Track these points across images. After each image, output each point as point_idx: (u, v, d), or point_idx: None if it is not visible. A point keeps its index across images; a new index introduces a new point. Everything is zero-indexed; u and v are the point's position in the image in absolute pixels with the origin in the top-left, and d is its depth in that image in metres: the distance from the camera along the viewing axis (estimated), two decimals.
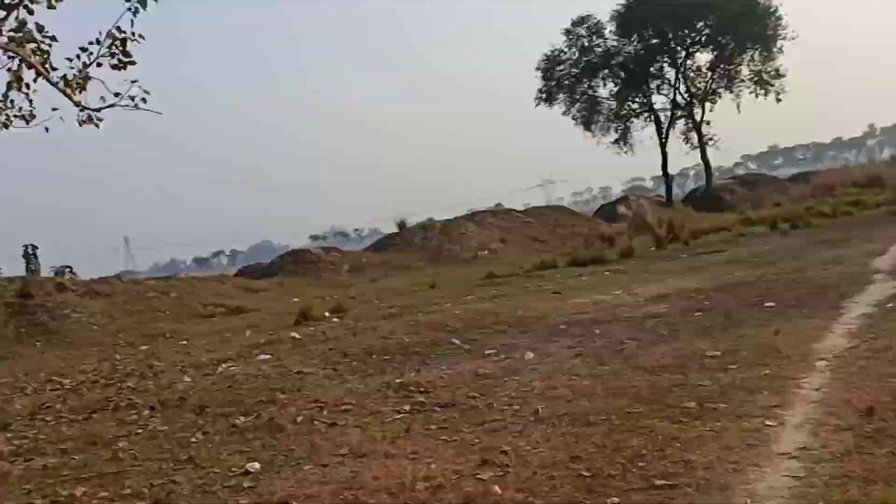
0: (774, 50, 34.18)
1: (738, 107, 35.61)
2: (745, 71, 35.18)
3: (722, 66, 35.37)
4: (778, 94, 34.81)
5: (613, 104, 36.14)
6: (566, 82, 35.52)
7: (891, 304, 6.76)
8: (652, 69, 35.79)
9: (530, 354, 6.84)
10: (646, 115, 36.09)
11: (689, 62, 35.74)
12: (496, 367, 6.52)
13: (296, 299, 16.24)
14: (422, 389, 5.96)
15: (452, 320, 9.09)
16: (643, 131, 36.68)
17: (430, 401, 5.60)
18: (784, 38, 33.88)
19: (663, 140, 35.55)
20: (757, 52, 34.51)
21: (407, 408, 5.50)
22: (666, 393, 5.00)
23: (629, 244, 16.78)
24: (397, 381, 6.31)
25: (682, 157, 37.37)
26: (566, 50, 35.24)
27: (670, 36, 34.71)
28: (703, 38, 34.98)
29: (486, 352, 7.32)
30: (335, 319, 11.17)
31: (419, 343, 8.00)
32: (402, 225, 25.47)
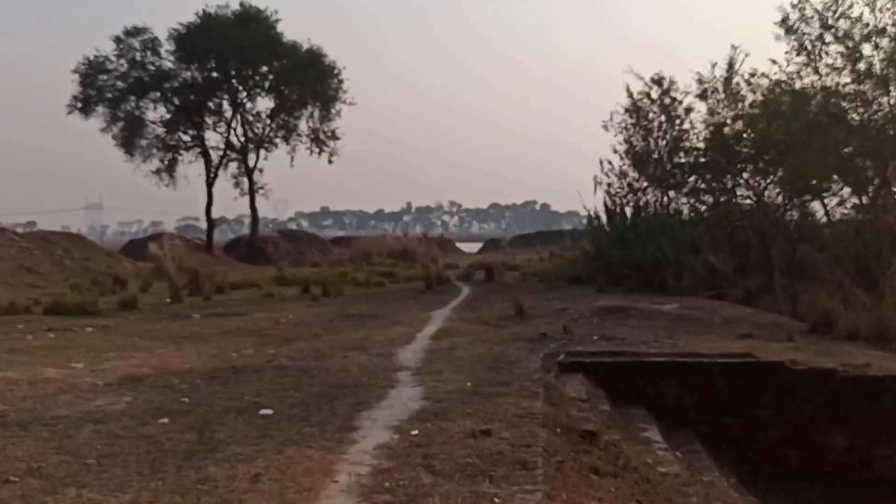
0: (333, 111, 34.32)
1: (291, 160, 34.93)
2: (303, 126, 34.71)
3: (282, 115, 34.41)
4: (331, 155, 34.97)
5: (161, 131, 32.63)
6: (109, 95, 31.01)
7: (415, 432, 4.97)
8: (210, 103, 33.27)
9: None
10: (197, 149, 33.28)
11: (249, 104, 34.07)
12: None
13: None
14: None
15: None
16: (191, 166, 33.82)
17: None
18: (344, 102, 34.26)
19: (211, 180, 33.03)
20: (317, 110, 34.30)
21: None
22: None
23: (134, 293, 13.65)
24: None
25: (242, 202, 35.14)
26: (113, 59, 30.88)
27: (233, 72, 32.63)
28: (267, 84, 33.67)
29: None
30: None
31: None
32: None
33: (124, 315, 12.23)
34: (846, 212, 18.39)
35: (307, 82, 32.41)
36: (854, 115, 16.67)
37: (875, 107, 16.67)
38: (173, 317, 12.02)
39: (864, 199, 16.53)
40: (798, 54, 16.60)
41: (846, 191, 17.30)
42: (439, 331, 10.06)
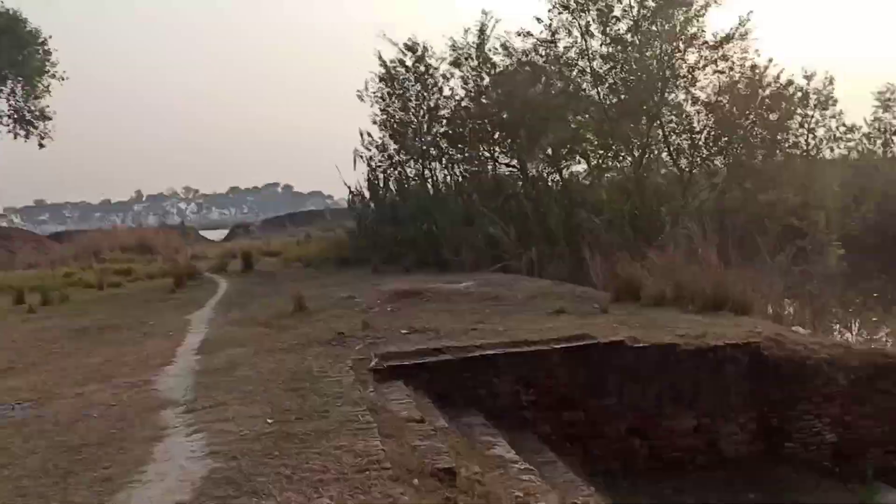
0: (41, 87, 29.37)
1: None
2: (2, 105, 29.37)
3: None
4: (42, 138, 29.99)
5: None
6: None
7: None
8: None
9: None
10: None
11: None
12: None
13: None
14: None
15: None
16: None
17: None
18: (53, 76, 29.44)
19: None
20: (19, 86, 29.14)
21: None
22: None
23: None
24: None
25: None
26: None
27: None
28: None
29: None
30: None
31: None
32: None
33: None
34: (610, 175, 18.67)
35: (3, 52, 27.28)
36: (612, 76, 16.71)
37: (629, 66, 16.78)
38: None
39: (629, 160, 16.69)
40: (560, 12, 16.29)
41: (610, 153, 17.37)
42: (207, 341, 7.99)
